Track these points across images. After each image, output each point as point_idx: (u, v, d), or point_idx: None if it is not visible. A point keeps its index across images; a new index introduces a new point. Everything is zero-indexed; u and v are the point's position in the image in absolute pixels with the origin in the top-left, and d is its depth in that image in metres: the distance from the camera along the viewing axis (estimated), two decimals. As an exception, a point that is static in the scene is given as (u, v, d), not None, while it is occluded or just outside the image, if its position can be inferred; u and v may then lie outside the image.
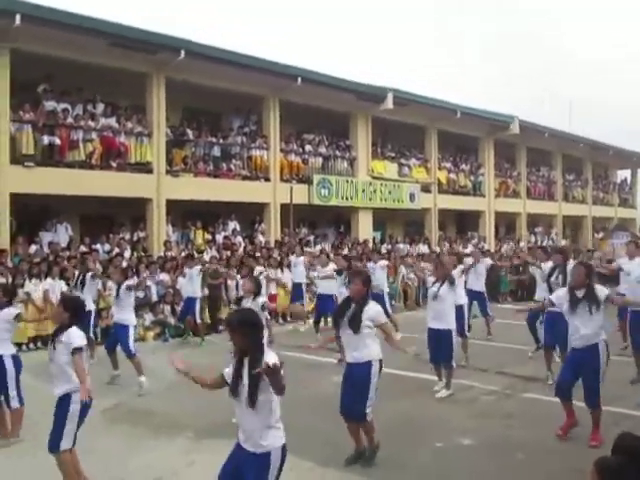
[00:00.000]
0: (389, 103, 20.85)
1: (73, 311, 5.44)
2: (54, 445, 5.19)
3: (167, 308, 13.77)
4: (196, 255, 14.85)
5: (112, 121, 15.74)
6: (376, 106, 21.11)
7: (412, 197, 22.88)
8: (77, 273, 11.42)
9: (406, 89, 21.64)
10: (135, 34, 14.92)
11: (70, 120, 14.90)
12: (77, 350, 5.24)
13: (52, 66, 14.56)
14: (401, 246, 21.76)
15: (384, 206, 22.03)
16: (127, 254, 14.76)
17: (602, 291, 6.61)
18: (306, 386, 8.79)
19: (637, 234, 26.09)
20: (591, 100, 61.21)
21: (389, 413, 6.86)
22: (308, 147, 20.47)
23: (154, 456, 6.33)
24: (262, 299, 8.05)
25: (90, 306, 10.53)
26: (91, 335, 10.41)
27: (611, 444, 3.86)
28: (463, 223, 27.63)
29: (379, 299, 9.83)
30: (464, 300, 10.47)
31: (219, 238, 17.59)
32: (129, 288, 9.38)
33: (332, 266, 12.74)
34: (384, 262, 14.00)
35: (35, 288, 12.30)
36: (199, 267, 13.20)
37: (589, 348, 6.49)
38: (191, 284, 13.07)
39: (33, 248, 14.13)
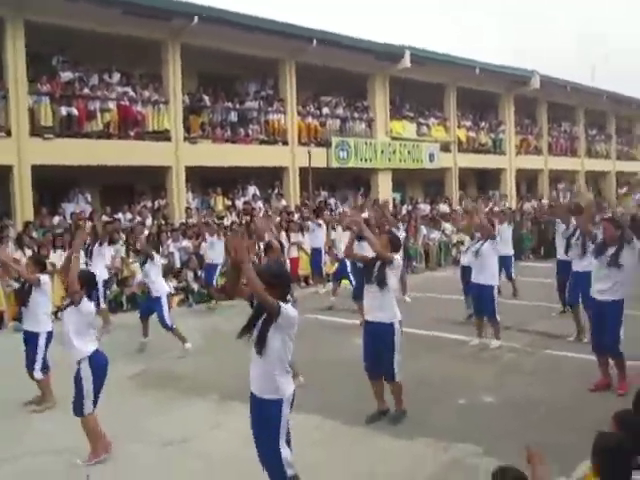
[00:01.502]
0: (406, 62, 20.52)
1: (85, 284, 5.64)
2: (77, 410, 5.48)
3: (190, 274, 13.92)
4: (216, 221, 14.92)
5: (128, 90, 15.74)
6: (393, 65, 20.81)
7: (431, 157, 22.65)
8: (87, 242, 11.48)
9: (423, 47, 21.36)
10: (148, 1, 14.79)
11: (87, 90, 14.92)
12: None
13: (65, 37, 14.51)
14: (422, 206, 21.67)
15: (403, 167, 21.87)
16: (148, 222, 14.90)
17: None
18: (328, 348, 8.90)
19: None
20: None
21: (411, 371, 6.92)
22: (325, 109, 20.30)
23: (179, 418, 6.48)
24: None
25: (102, 275, 10.74)
26: (102, 305, 10.56)
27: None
28: (484, 181, 27.38)
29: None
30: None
31: (239, 204, 17.64)
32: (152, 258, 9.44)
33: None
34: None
35: (60, 259, 12.48)
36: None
37: (610, 302, 6.55)
38: (212, 251, 13.21)
39: (56, 219, 14.31)
